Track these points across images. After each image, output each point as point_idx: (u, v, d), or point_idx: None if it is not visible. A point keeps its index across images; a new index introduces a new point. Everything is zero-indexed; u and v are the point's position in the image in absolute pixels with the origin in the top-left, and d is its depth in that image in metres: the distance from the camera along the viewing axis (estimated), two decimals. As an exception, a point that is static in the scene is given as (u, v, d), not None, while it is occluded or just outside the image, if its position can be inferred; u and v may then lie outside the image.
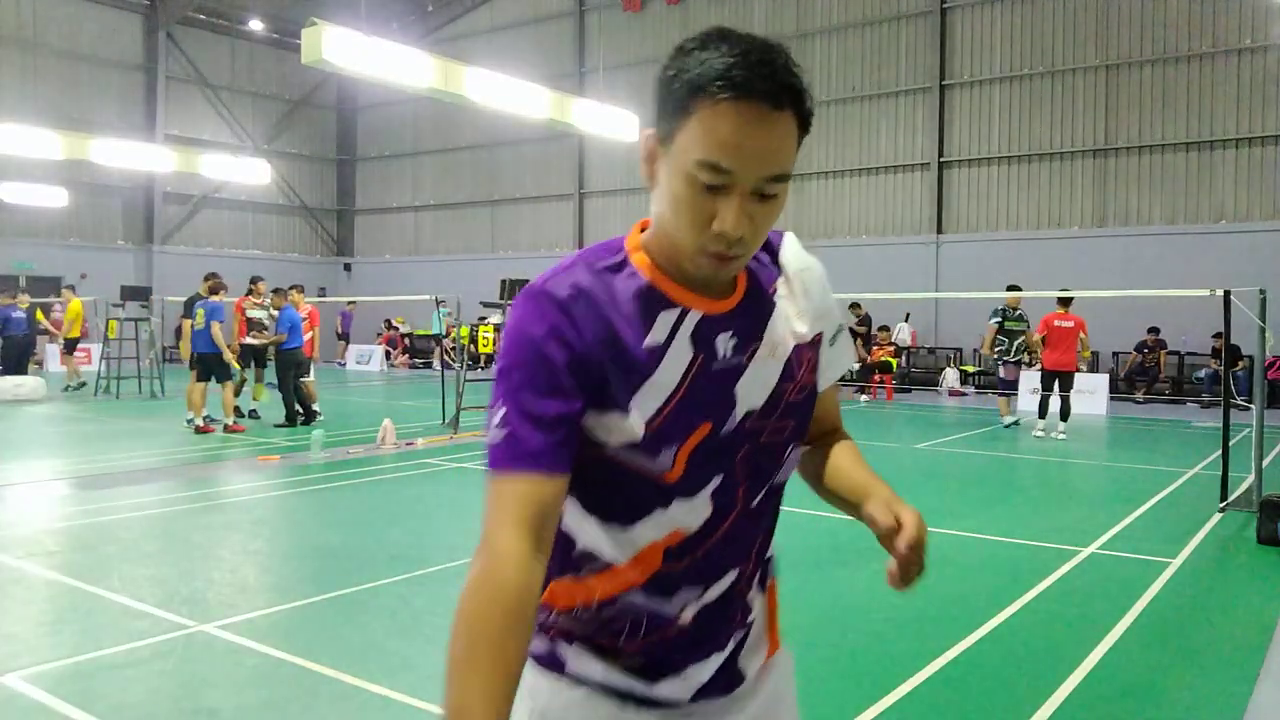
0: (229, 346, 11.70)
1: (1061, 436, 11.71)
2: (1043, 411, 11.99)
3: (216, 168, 21.39)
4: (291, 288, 13.54)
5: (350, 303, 26.30)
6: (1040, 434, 11.84)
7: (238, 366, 12.08)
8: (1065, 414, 11.86)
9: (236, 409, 13.02)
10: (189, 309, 12.23)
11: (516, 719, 1.14)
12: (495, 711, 1.03)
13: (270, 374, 13.43)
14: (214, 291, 11.79)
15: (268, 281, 13.57)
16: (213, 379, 11.48)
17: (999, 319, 12.71)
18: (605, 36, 24.98)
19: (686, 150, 1.12)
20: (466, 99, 12.21)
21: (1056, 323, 11.88)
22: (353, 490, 8.06)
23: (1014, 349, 12.68)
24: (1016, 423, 12.73)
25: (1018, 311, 12.68)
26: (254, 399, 13.11)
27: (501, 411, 1.16)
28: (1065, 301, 12.01)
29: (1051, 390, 11.89)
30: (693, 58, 1.12)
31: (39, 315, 18.03)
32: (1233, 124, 17.44)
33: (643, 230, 1.26)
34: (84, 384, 16.95)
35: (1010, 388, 12.94)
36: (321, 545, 6.11)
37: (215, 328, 11.42)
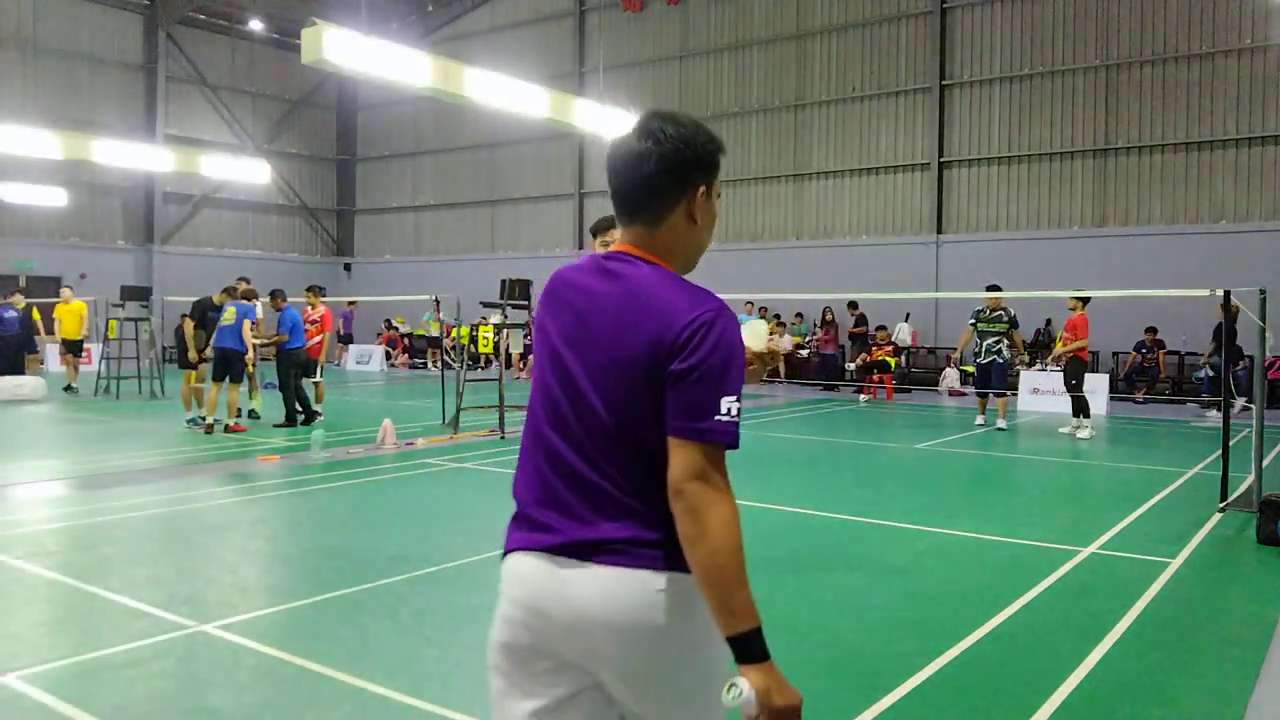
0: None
1: (1092, 433, 11.91)
2: (1085, 410, 11.98)
3: (216, 168, 21.37)
4: (308, 289, 13.61)
5: (351, 303, 26.33)
6: (1088, 434, 11.80)
7: (252, 370, 12.21)
8: (1086, 411, 12.01)
9: (237, 409, 13.06)
10: (202, 314, 12.27)
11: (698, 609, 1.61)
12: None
13: (271, 374, 13.45)
14: (247, 297, 12.06)
15: (272, 283, 13.64)
16: (227, 378, 11.59)
17: (972, 320, 12.81)
18: (605, 36, 24.98)
19: (716, 190, 1.81)
20: (466, 99, 12.19)
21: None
22: (353, 490, 8.06)
23: (985, 349, 12.57)
24: (985, 425, 12.73)
25: (996, 312, 12.56)
26: (249, 397, 13.12)
27: (736, 404, 1.59)
28: (1087, 301, 12.10)
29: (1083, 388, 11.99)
30: (708, 135, 1.77)
31: (35, 314, 18.01)
32: (1233, 124, 17.44)
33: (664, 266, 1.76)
34: (70, 387, 16.86)
35: (983, 388, 12.87)
36: (321, 545, 6.11)
37: (247, 326, 11.58)
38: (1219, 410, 14.99)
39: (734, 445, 1.59)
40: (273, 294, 12.59)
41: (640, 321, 1.64)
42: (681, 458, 1.57)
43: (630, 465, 1.64)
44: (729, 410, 1.58)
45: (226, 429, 11.46)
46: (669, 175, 1.71)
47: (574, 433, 1.68)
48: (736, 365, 1.60)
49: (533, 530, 1.70)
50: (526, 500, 1.74)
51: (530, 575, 1.68)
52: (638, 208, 1.75)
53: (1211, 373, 15.35)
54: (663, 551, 1.62)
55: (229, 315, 11.58)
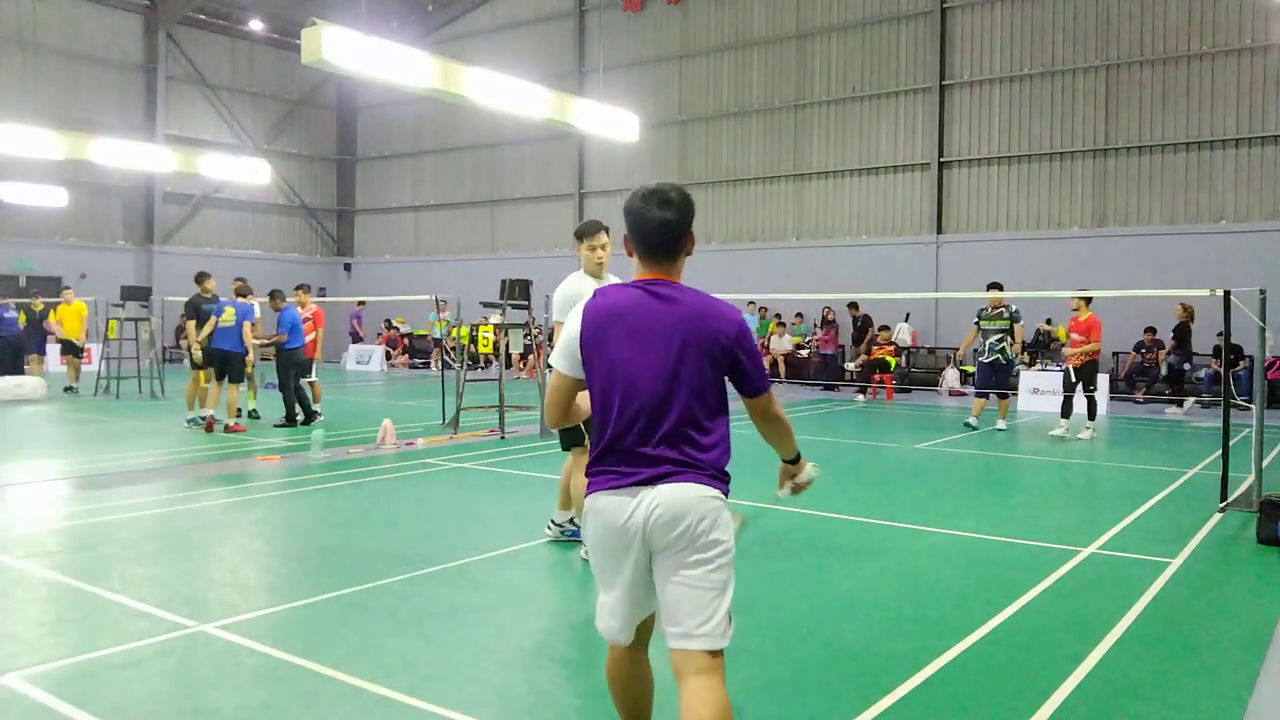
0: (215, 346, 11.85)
1: (1093, 434, 11.78)
2: (1092, 412, 11.89)
3: (216, 168, 21.37)
4: (298, 288, 13.61)
5: (360, 302, 26.31)
6: (1089, 434, 11.71)
7: (250, 370, 12.17)
8: (1093, 413, 11.90)
9: (238, 410, 13.03)
10: (196, 310, 12.26)
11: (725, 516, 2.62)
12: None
13: (271, 374, 13.43)
14: (241, 294, 11.98)
15: (273, 284, 13.62)
16: (226, 378, 11.60)
17: (976, 319, 12.70)
18: (605, 36, 24.98)
19: None
20: (466, 99, 12.19)
21: None
22: (353, 490, 8.06)
23: (988, 348, 12.40)
24: (976, 427, 12.53)
25: (997, 310, 12.41)
26: (250, 400, 13.13)
27: (766, 364, 3.17)
28: (1089, 300, 12.00)
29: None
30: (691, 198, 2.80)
31: (52, 316, 18.07)
32: (1233, 124, 17.44)
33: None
34: (70, 388, 16.81)
35: (984, 388, 12.69)
36: (321, 545, 6.11)
37: (246, 327, 11.59)
38: (1179, 406, 15.22)
39: (770, 386, 2.79)
40: (271, 294, 12.60)
41: (707, 326, 2.62)
42: (763, 401, 2.74)
43: (688, 434, 2.61)
44: (766, 370, 3.10)
45: (226, 429, 11.47)
46: (685, 230, 2.72)
47: (648, 415, 2.61)
48: (748, 330, 2.71)
49: (616, 479, 2.62)
50: (608, 462, 2.65)
51: (619, 503, 2.60)
52: (667, 252, 2.71)
53: (1167, 370, 15.97)
54: (700, 473, 2.61)
55: (228, 316, 11.59)
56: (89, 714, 3.42)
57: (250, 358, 11.80)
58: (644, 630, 2.79)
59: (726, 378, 2.68)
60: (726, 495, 2.64)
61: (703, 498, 2.57)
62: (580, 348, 2.69)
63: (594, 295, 2.74)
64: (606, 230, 5.32)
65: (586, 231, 5.31)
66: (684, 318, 2.61)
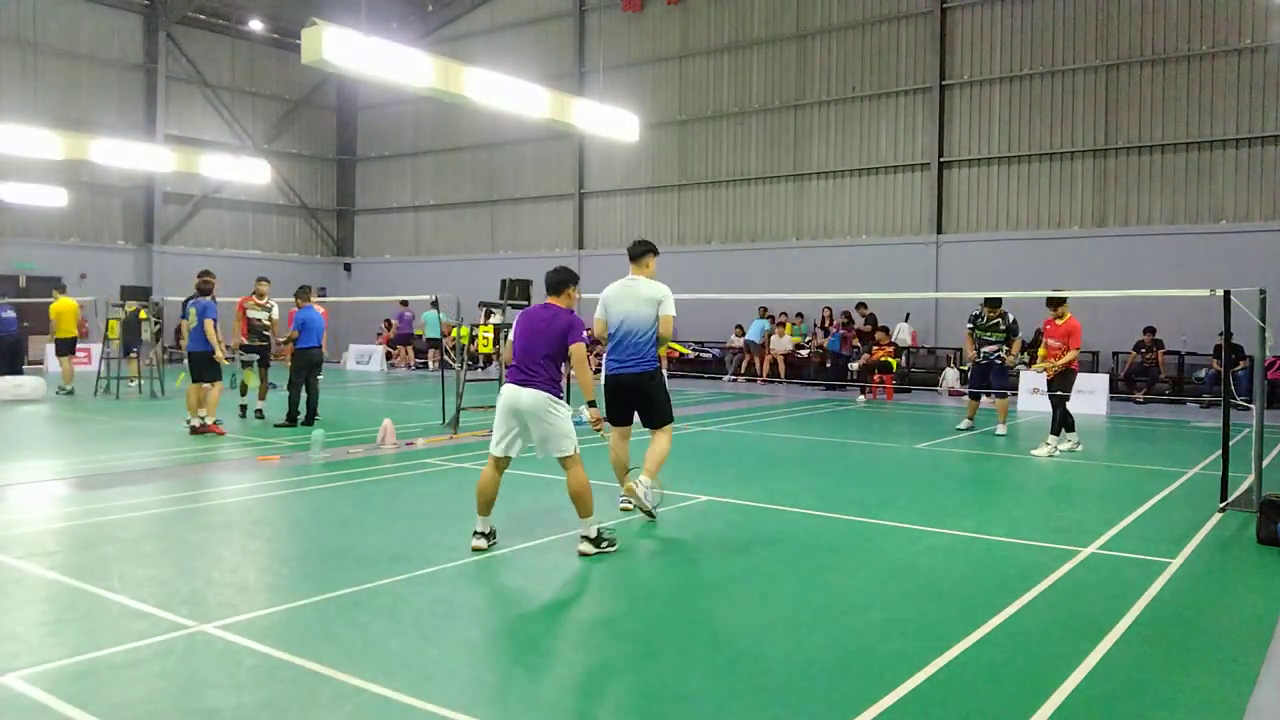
0: (225, 345, 11.66)
1: (1080, 445, 10.77)
2: (1071, 423, 10.67)
3: (216, 168, 21.37)
4: (261, 279, 13.25)
5: (403, 302, 25.46)
6: (1077, 446, 10.65)
7: (226, 362, 11.69)
8: (1071, 424, 10.71)
9: (243, 408, 13.00)
10: (186, 310, 12.21)
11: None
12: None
13: (277, 375, 13.36)
14: (204, 291, 11.60)
15: (272, 283, 13.47)
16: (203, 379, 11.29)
17: (969, 324, 12.43)
18: (605, 36, 24.98)
19: (576, 292, 6.27)
20: (466, 99, 12.18)
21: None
22: (353, 490, 8.06)
23: (982, 355, 12.13)
24: (970, 429, 12.41)
25: (993, 320, 12.05)
26: (260, 398, 13.07)
27: (584, 334, 6.01)
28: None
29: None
30: (573, 274, 6.30)
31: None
32: (1233, 124, 17.44)
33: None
34: (70, 390, 16.60)
35: (978, 389, 12.40)
36: (321, 545, 6.11)
37: (208, 325, 11.28)
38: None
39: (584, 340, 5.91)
40: (301, 290, 12.51)
41: (556, 327, 5.83)
42: (578, 348, 5.79)
43: (544, 367, 5.74)
44: (583, 333, 5.93)
45: (194, 430, 11.21)
46: (564, 287, 6.06)
47: (530, 356, 5.76)
48: (579, 325, 5.89)
49: (517, 380, 5.72)
50: (514, 374, 5.76)
51: (515, 392, 5.70)
52: (554, 294, 6.04)
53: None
54: (552, 388, 5.73)
55: (192, 317, 11.41)
56: (89, 714, 3.42)
57: (218, 355, 11.34)
58: (507, 457, 5.79)
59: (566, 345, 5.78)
60: (558, 395, 5.69)
61: (549, 397, 5.64)
62: (514, 325, 6.01)
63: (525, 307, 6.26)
64: (654, 252, 7.18)
65: (635, 254, 7.14)
66: (551, 322, 5.80)
